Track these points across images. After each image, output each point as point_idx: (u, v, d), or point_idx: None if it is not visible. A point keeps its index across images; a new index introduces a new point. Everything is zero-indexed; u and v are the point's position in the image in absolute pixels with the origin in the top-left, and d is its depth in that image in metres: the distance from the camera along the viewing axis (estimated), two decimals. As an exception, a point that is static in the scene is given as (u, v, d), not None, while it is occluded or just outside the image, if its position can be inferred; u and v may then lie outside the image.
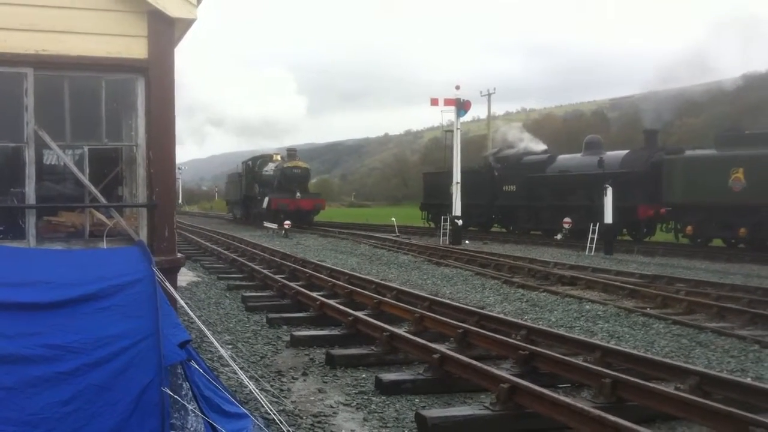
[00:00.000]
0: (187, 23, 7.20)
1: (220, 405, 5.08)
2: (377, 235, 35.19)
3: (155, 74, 6.88)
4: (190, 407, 4.72)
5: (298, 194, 44.16)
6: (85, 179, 6.93)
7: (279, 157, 48.91)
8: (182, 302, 5.70)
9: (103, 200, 7.06)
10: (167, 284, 5.41)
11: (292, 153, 48.73)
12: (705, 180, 26.26)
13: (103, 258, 5.59)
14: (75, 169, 6.99)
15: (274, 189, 45.67)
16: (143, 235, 6.93)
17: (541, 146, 39.04)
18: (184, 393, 4.79)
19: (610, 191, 26.36)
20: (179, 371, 4.84)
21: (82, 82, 7.00)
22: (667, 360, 8.03)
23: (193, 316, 5.96)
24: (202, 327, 6.13)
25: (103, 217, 7.33)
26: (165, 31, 6.91)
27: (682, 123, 59.52)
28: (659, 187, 28.51)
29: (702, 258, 24.28)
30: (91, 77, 6.92)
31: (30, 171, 6.72)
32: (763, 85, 56.47)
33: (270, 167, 48.50)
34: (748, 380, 7.48)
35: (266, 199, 44.85)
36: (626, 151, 32.00)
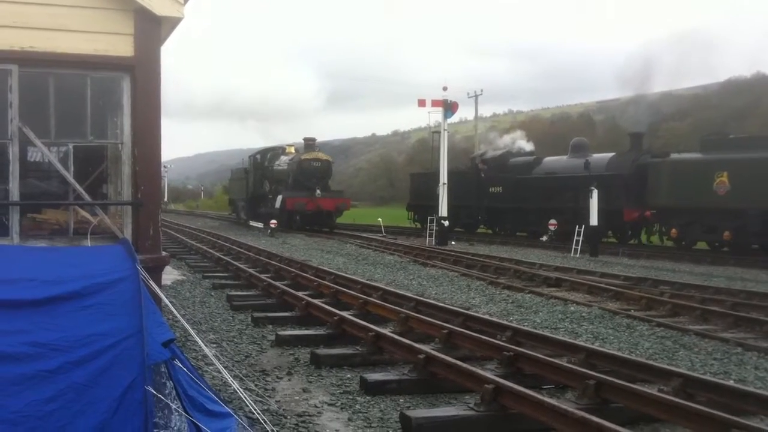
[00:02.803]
0: (174, 22, 7.17)
1: (204, 404, 5.06)
2: (363, 235, 35.14)
3: (141, 72, 6.86)
4: (173, 406, 4.71)
5: (318, 192, 37.44)
6: (69, 177, 6.89)
7: (293, 150, 42.19)
8: (167, 301, 5.67)
9: (87, 198, 7.02)
10: (151, 283, 5.39)
11: (310, 143, 41.00)
12: (690, 183, 26.44)
13: (88, 256, 5.56)
14: (59, 167, 6.95)
15: (289, 186, 38.85)
16: (128, 234, 6.90)
17: (529, 146, 39.21)
18: (167, 392, 4.77)
19: (595, 193, 26.46)
20: (163, 370, 4.82)
21: (67, 79, 6.96)
22: (651, 362, 8.08)
23: (178, 315, 5.92)
24: (187, 326, 6.11)
25: (87, 215, 7.29)
26: (152, 30, 6.89)
27: (668, 126, 59.90)
28: (645, 189, 28.68)
29: (686, 261, 24.44)
30: (77, 74, 6.88)
31: (14, 168, 6.67)
32: (748, 89, 57.01)
33: (283, 161, 41.28)
34: (731, 383, 7.55)
35: (279, 198, 38.33)
36: (612, 154, 32.18)
